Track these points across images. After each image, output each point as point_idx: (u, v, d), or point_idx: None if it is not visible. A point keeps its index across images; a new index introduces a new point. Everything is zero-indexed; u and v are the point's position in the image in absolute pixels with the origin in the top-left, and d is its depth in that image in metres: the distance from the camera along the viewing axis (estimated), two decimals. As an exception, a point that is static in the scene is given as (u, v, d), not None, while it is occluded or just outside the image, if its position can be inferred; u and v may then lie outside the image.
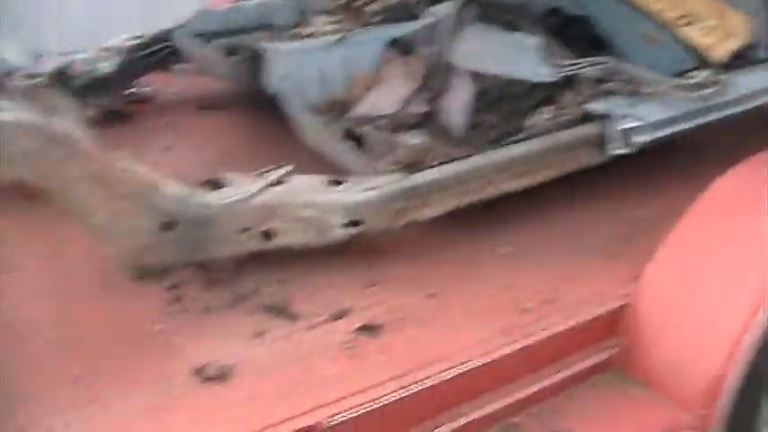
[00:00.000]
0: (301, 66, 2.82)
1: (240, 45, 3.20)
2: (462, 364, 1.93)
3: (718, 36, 2.96)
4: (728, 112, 2.72)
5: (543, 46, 2.86)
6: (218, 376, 1.86)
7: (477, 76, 2.79)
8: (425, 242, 2.43)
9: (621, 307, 2.18)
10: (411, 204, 2.34)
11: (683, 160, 2.81)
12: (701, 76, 2.71)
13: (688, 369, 2.04)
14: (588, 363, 2.13)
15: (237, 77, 3.11)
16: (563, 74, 2.78)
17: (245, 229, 2.19)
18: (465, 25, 2.98)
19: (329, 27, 3.43)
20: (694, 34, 2.94)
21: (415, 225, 2.37)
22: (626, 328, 2.15)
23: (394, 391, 1.83)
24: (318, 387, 1.83)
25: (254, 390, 1.83)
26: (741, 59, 2.94)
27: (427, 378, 1.88)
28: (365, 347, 1.98)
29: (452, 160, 2.43)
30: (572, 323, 2.11)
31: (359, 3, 3.60)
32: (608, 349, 2.16)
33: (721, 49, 2.91)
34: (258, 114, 3.07)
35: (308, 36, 3.29)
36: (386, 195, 2.29)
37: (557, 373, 2.08)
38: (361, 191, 2.29)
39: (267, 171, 2.30)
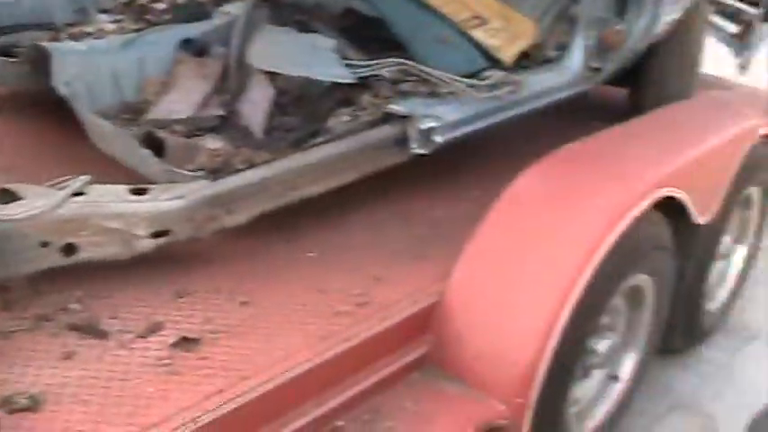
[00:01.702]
0: (91, 67, 2.67)
1: (17, 44, 2.98)
2: (284, 372, 1.91)
3: (506, 38, 3.08)
4: (522, 110, 2.84)
5: (338, 47, 2.87)
6: (28, 406, 1.73)
7: (274, 78, 2.76)
8: (233, 249, 2.37)
9: (432, 305, 2.22)
10: (217, 212, 2.28)
11: (477, 160, 2.91)
12: (496, 76, 2.81)
13: (500, 361, 2.12)
14: (404, 361, 2.17)
15: (16, 79, 2.90)
16: (359, 75, 2.80)
17: (45, 244, 2.05)
18: (257, 26, 2.94)
19: (111, 26, 3.28)
20: (484, 36, 3.05)
21: (221, 232, 2.31)
22: (438, 325, 2.21)
23: (218, 406, 1.77)
24: (140, 408, 1.75)
25: (70, 418, 1.72)
26: (529, 60, 3.09)
27: (250, 390, 1.84)
28: (183, 362, 1.91)
29: (255, 165, 2.38)
30: (386, 324, 2.13)
31: (142, 1, 3.47)
32: (422, 347, 2.20)
33: (510, 51, 3.04)
34: (43, 119, 2.88)
35: (90, 35, 3.13)
36: (191, 203, 2.22)
37: (375, 373, 2.10)
38: (166, 199, 2.21)
39: (63, 181, 2.17)
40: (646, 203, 2.36)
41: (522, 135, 2.97)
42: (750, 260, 3.49)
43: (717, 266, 3.29)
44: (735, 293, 3.47)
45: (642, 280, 2.59)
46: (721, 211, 2.91)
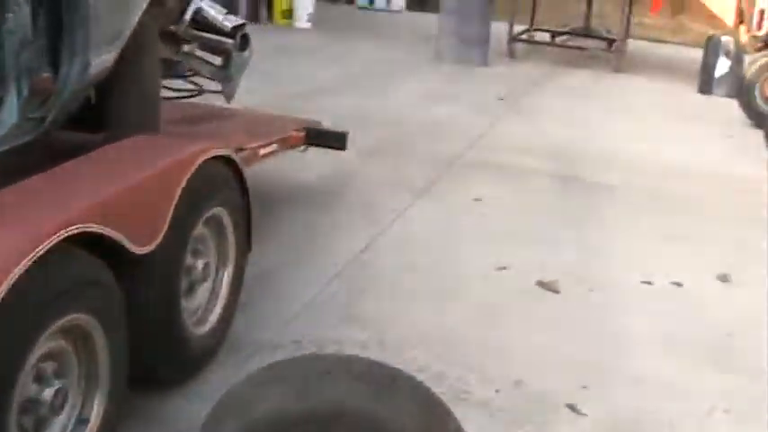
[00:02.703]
0: None
1: None
2: None
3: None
4: None
5: None
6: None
7: None
8: None
9: None
10: None
11: None
12: None
13: None
14: None
15: None
16: None
17: None
18: None
19: None
20: None
21: None
22: None
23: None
24: None
25: None
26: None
27: None
28: None
29: None
30: None
31: None
32: None
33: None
34: None
35: None
36: None
37: None
38: None
39: None
40: (48, 244, 2.36)
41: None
42: (237, 278, 3.65)
43: (200, 290, 3.40)
44: (228, 313, 3.60)
45: (81, 320, 2.59)
46: (172, 238, 3.01)
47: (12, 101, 3.09)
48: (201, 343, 3.42)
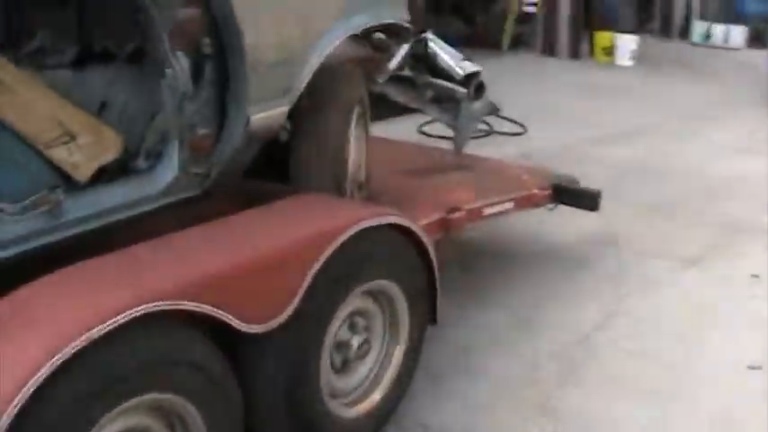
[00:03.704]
0: None
1: None
2: None
3: (88, 154, 2.96)
4: (92, 225, 2.74)
5: None
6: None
7: None
8: None
9: None
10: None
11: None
12: (36, 197, 2.68)
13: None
14: None
15: None
16: None
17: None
18: None
19: None
20: (62, 154, 2.92)
21: None
22: None
23: None
24: None
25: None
26: (115, 173, 2.96)
27: None
28: None
29: None
30: None
31: None
32: None
33: (88, 168, 2.91)
34: None
35: None
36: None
37: None
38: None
39: None
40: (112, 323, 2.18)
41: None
42: (411, 356, 3.30)
43: (358, 368, 3.12)
44: (395, 394, 3.26)
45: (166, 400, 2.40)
46: (308, 314, 2.74)
47: (172, 155, 3.01)
48: (354, 426, 3.12)
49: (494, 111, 4.74)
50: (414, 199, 4.07)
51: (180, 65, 2.91)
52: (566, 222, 5.29)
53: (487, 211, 4.29)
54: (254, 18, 2.94)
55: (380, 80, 3.74)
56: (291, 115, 3.34)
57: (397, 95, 4.65)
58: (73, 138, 3.03)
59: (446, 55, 4.40)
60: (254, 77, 2.97)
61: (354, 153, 3.62)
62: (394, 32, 3.78)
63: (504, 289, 4.62)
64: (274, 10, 3.07)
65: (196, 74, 2.96)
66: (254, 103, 3.01)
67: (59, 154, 2.95)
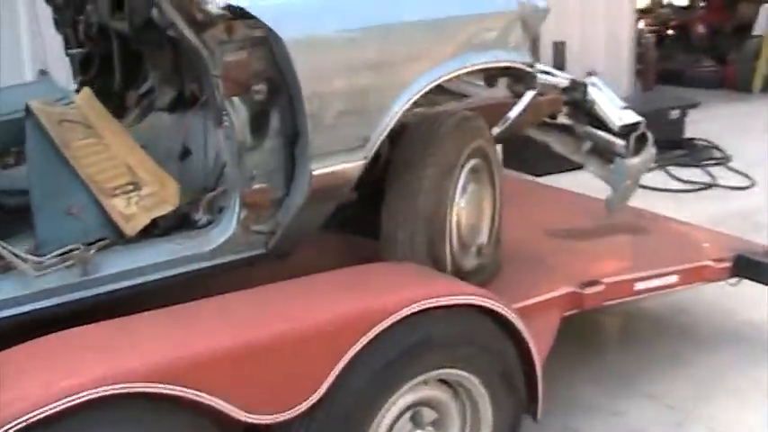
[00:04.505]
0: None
1: None
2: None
3: (147, 205, 2.79)
4: (91, 292, 2.55)
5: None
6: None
7: None
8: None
9: None
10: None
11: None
12: (62, 251, 2.53)
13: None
14: None
15: None
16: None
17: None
18: None
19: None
20: (120, 205, 2.77)
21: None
22: None
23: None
24: None
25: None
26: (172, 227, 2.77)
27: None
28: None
29: None
30: None
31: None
32: None
33: (138, 220, 2.74)
34: None
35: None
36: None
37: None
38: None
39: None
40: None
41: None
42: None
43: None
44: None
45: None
46: (345, 403, 2.38)
47: (231, 210, 2.76)
48: None
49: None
50: (547, 267, 3.58)
51: (237, 113, 2.66)
52: (760, 299, 4.48)
53: (641, 285, 3.67)
54: (316, 63, 2.63)
55: (498, 130, 3.28)
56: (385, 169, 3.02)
57: (557, 146, 4.18)
58: (138, 187, 2.87)
59: (605, 103, 3.86)
60: (317, 129, 2.66)
61: (466, 213, 3.19)
62: (518, 77, 3.32)
63: (659, 374, 3.95)
64: (340, 53, 2.74)
65: (258, 123, 2.70)
66: (317, 157, 2.69)
67: (117, 204, 2.79)
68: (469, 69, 3.07)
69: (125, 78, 3.50)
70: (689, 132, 8.06)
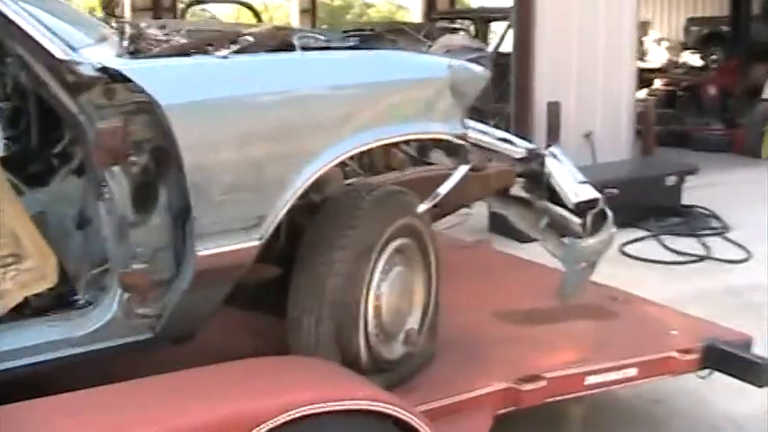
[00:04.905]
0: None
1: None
2: None
3: (24, 281, 2.53)
4: None
5: None
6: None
7: None
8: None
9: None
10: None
11: None
12: None
13: None
14: None
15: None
16: None
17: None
18: None
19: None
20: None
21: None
22: None
23: None
24: None
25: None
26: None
27: None
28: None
29: None
30: None
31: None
32: None
33: (9, 298, 2.49)
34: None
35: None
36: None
37: None
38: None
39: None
40: None
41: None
42: None
43: None
44: None
45: None
46: None
47: (112, 293, 2.50)
48: None
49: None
50: (486, 357, 3.27)
51: (117, 184, 2.40)
52: (745, 387, 4.12)
53: (593, 380, 3.35)
54: (200, 132, 2.37)
55: (422, 208, 2.98)
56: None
57: (514, 219, 3.89)
58: (19, 260, 2.61)
59: (563, 175, 3.58)
60: (202, 205, 2.39)
61: (388, 298, 2.90)
62: (450, 150, 3.05)
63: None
64: (231, 122, 2.48)
65: (142, 197, 2.44)
66: (203, 237, 2.42)
67: (-9, 279, 2.54)
68: (387, 141, 2.80)
69: (42, 137, 3.27)
70: (688, 199, 7.73)
